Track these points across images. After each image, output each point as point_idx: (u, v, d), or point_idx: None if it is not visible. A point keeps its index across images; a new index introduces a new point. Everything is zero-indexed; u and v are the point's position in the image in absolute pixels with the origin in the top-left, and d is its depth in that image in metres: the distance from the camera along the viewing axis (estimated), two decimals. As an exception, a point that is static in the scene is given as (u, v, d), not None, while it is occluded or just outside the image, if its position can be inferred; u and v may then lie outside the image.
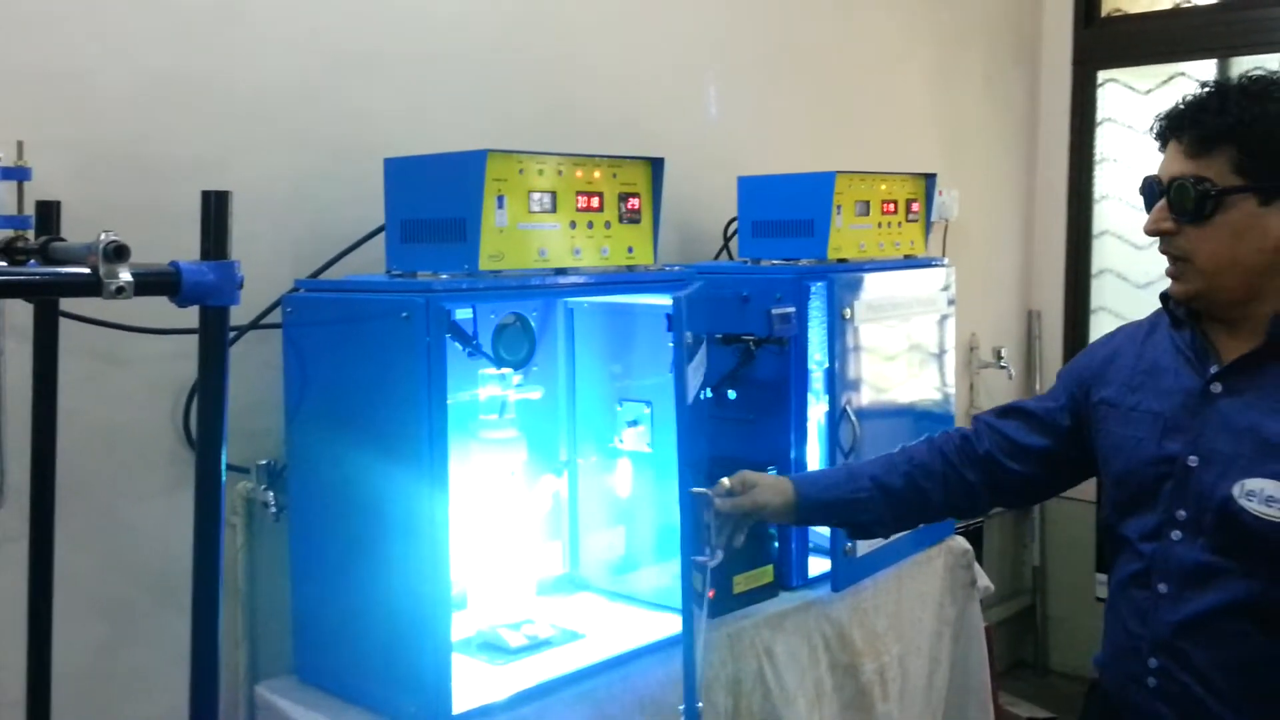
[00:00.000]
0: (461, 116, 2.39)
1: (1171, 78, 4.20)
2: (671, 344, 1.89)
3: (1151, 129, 1.51)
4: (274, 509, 2.03)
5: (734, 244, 2.80)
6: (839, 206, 2.50)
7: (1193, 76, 4.16)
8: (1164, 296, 1.59)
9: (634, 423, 2.30)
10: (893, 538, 2.20)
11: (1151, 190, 1.48)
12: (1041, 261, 4.38)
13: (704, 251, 2.87)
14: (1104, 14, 4.28)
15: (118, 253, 1.24)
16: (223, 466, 1.37)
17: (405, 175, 1.94)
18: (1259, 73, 1.43)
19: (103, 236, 1.24)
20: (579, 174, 1.94)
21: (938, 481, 1.77)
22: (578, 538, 2.42)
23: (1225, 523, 1.42)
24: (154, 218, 1.88)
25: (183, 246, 1.35)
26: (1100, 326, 4.23)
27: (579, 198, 1.95)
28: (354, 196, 2.15)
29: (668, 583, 2.26)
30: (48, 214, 1.67)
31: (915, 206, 2.71)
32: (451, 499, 1.81)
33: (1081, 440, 1.69)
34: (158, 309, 1.38)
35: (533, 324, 2.31)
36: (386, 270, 1.97)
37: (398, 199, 1.95)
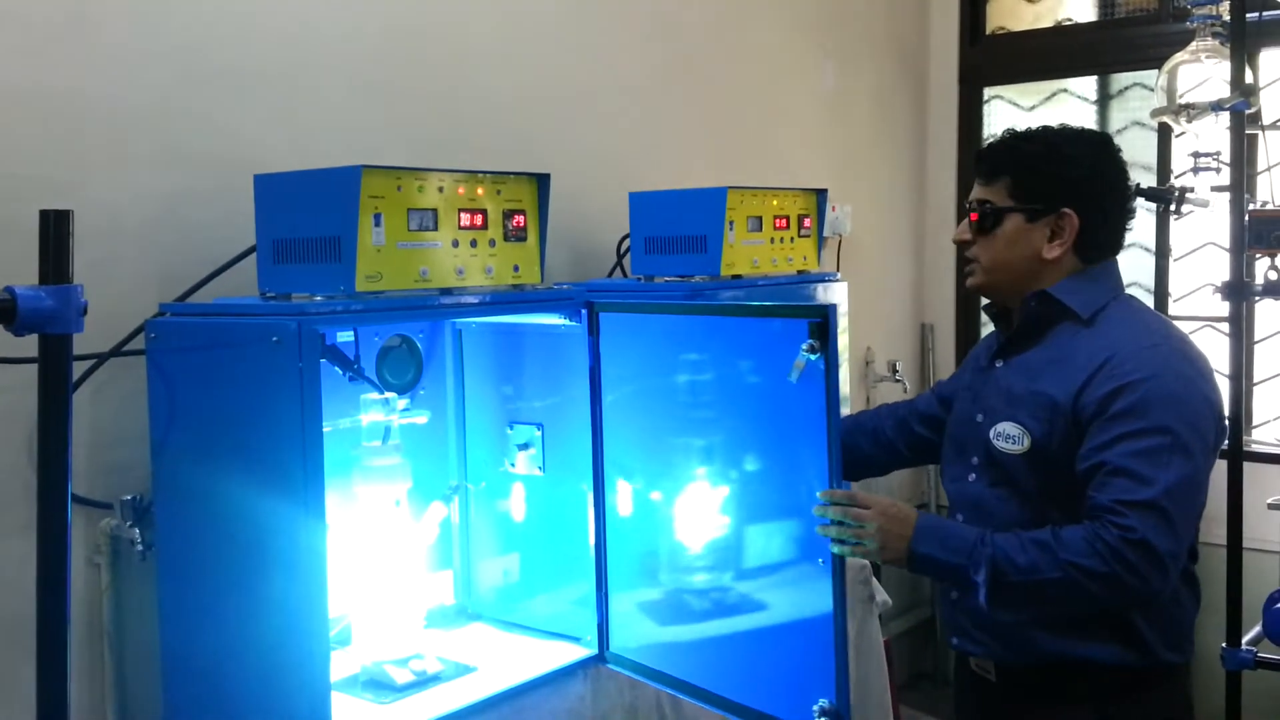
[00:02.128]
0: (343, 135, 2.30)
1: (1054, 94, 4.30)
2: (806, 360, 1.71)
3: (976, 160, 1.97)
4: (140, 546, 1.92)
5: (628, 261, 2.76)
6: (731, 222, 2.48)
7: (1074, 92, 4.27)
8: (985, 306, 2.02)
9: (525, 445, 2.24)
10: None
11: (965, 210, 1.93)
12: (932, 275, 4.43)
13: (598, 269, 2.83)
14: (988, 32, 4.37)
15: (-60, 280, 1.13)
16: (68, 510, 1.27)
17: (277, 192, 1.85)
18: (1037, 126, 1.92)
19: (-75, 263, 1.14)
20: (461, 191, 1.88)
21: (868, 436, 2.22)
22: (470, 566, 2.35)
23: (990, 458, 1.86)
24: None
25: (34, 274, 1.25)
26: (991, 339, 4.29)
27: (461, 215, 1.88)
28: (226, 216, 2.05)
29: (563, 609, 2.21)
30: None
31: (807, 222, 2.71)
32: (332, 530, 1.73)
33: None
34: (6, 335, 1.27)
35: (419, 346, 2.24)
36: (259, 293, 1.88)
37: (269, 217, 1.86)
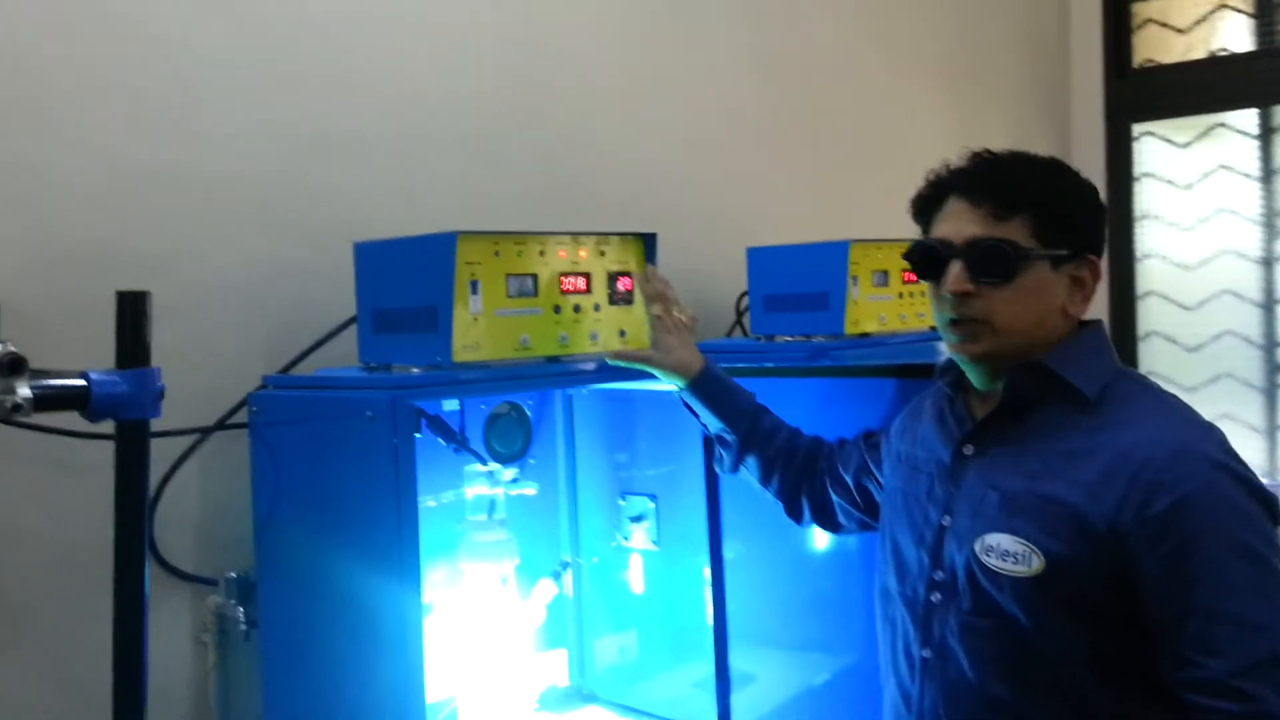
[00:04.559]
0: (451, 198, 2.26)
1: (1211, 129, 4.03)
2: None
3: (928, 189, 1.53)
4: (244, 625, 1.87)
5: (748, 319, 2.64)
6: (855, 277, 2.34)
7: (1233, 126, 3.98)
8: (939, 370, 1.60)
9: (639, 518, 2.13)
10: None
11: (932, 252, 1.47)
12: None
13: (716, 328, 2.71)
14: (1136, 65, 4.13)
15: (13, 366, 1.10)
16: (144, 606, 1.23)
17: (375, 260, 1.81)
18: (1004, 150, 1.51)
19: (-1, 347, 1.11)
20: (562, 254, 1.80)
21: (781, 453, 1.81)
22: (584, 645, 2.24)
23: (972, 581, 1.42)
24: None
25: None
26: (1149, 391, 4.00)
27: (564, 280, 1.80)
28: (332, 284, 2.01)
29: (683, 691, 2.09)
30: (-20, 317, 1.55)
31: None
32: (435, 610, 1.66)
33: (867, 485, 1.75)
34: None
35: (529, 414, 2.16)
36: (360, 362, 1.83)
37: (369, 286, 1.82)
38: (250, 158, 1.99)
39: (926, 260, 1.48)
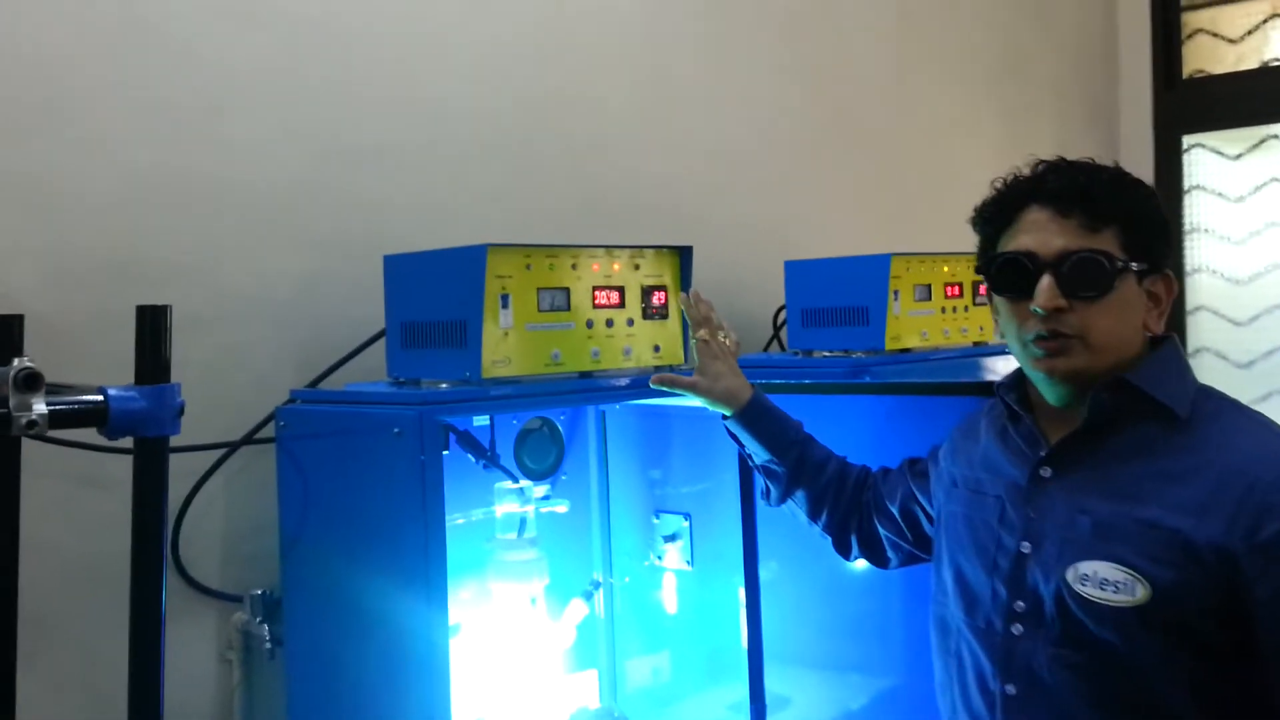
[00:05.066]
0: (483, 209, 2.23)
1: (1264, 140, 3.93)
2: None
3: (1003, 196, 1.45)
4: (269, 643, 1.84)
5: (785, 334, 2.58)
6: (896, 292, 2.28)
7: (1288, 138, 3.89)
8: (1001, 387, 1.51)
9: (673, 537, 2.08)
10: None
11: (1018, 265, 1.38)
12: (1130, 340, 4.07)
13: (753, 343, 2.66)
14: (1186, 76, 4.04)
15: (29, 382, 1.07)
16: (163, 620, 1.19)
17: (405, 273, 1.78)
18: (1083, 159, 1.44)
19: (16, 363, 1.08)
20: (595, 267, 1.76)
21: (831, 485, 1.72)
22: (616, 666, 2.19)
23: (1063, 611, 1.34)
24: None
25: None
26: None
27: (596, 294, 1.76)
28: (363, 296, 1.99)
29: (717, 714, 2.03)
30: (5, 330, 1.52)
31: (983, 288, 2.47)
32: (464, 630, 1.62)
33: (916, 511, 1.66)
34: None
35: (560, 429, 2.12)
36: (388, 377, 1.80)
37: (398, 299, 1.79)
38: (281, 170, 1.97)
39: (1011, 274, 1.39)
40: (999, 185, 1.46)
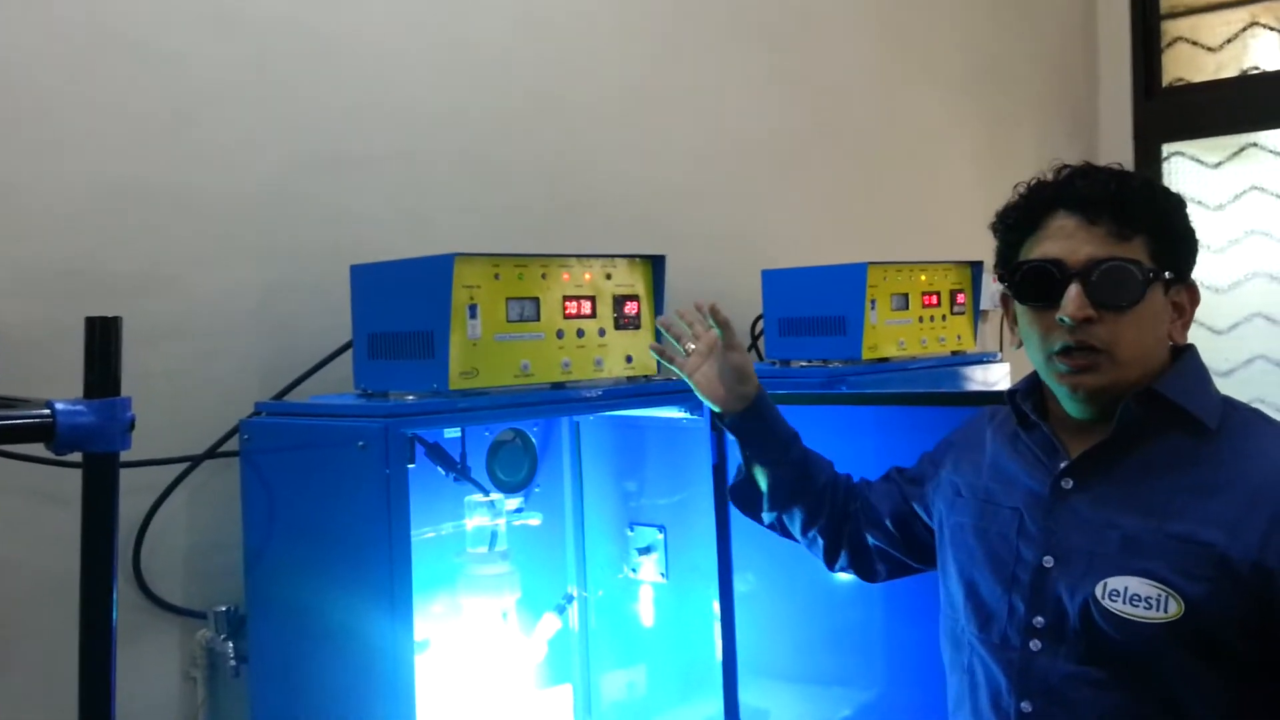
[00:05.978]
0: (454, 219, 2.20)
1: (1243, 149, 3.93)
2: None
3: (1027, 201, 1.40)
4: (234, 660, 1.80)
5: (763, 343, 2.56)
6: (873, 301, 2.26)
7: (1265, 147, 3.89)
8: (1017, 394, 1.46)
9: (647, 549, 2.05)
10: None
11: (1044, 273, 1.33)
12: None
13: (731, 352, 2.63)
14: (1165, 84, 4.05)
15: (-31, 394, 1.04)
16: (113, 641, 1.15)
17: (371, 284, 1.74)
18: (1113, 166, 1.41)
19: (-46, 375, 1.04)
20: (566, 276, 1.73)
21: (825, 495, 1.67)
22: (590, 680, 2.16)
23: (1089, 627, 1.30)
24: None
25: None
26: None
27: (567, 303, 1.73)
28: (332, 307, 1.95)
29: (694, 729, 2.01)
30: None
31: (961, 297, 2.46)
32: (432, 646, 1.60)
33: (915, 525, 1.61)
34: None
35: (534, 441, 2.09)
36: (356, 388, 1.77)
37: (365, 310, 1.76)
38: (246, 178, 1.94)
39: (1036, 282, 1.35)
40: (1023, 190, 1.42)
